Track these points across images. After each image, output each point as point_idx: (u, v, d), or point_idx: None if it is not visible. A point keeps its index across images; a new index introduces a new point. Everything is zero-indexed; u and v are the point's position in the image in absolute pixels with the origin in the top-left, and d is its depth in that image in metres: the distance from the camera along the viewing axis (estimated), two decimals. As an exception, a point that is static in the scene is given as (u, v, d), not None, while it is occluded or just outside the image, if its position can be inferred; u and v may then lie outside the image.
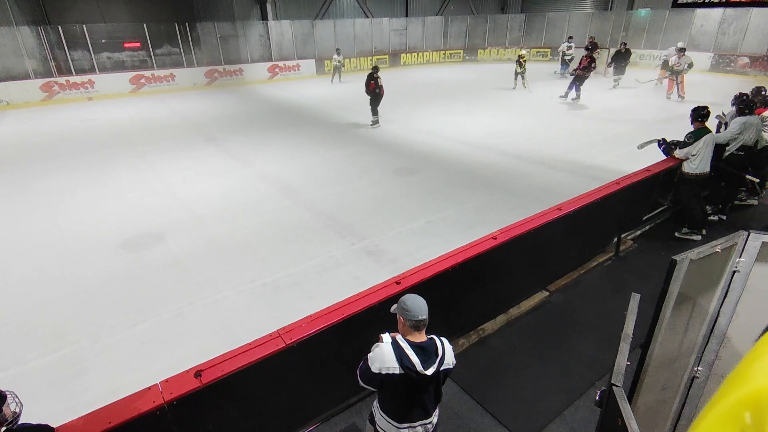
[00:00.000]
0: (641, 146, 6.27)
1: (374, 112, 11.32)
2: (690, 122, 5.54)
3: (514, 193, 7.22)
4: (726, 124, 6.58)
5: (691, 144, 5.35)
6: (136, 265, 5.32)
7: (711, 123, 7.03)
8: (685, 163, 5.47)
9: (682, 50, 13.15)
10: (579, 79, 13.56)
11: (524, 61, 15.71)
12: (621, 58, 15.65)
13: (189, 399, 2.34)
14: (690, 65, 13.13)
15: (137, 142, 10.53)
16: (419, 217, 6.35)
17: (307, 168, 8.54)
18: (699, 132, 5.35)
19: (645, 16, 21.58)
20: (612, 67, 16.05)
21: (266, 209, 6.76)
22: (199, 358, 2.56)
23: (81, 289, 4.88)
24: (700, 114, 5.35)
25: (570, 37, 18.95)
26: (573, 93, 13.73)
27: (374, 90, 10.95)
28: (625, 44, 16.02)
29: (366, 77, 11.02)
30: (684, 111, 11.62)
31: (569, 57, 18.33)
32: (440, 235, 5.79)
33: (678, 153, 5.51)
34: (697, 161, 5.34)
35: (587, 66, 13.42)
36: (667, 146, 5.75)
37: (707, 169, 5.39)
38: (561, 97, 14.22)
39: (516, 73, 16.03)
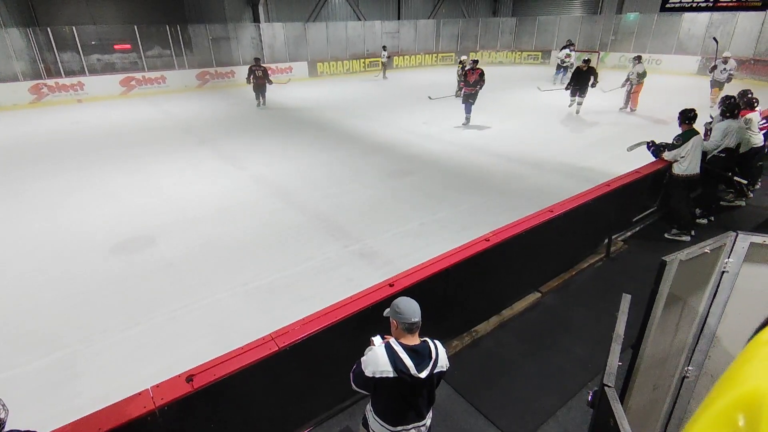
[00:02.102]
0: (630, 148, 6.34)
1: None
2: (678, 125, 5.61)
3: (506, 194, 7.26)
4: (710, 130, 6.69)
5: (679, 146, 5.42)
6: (128, 269, 5.26)
7: (699, 126, 7.17)
8: (674, 165, 5.53)
9: (636, 58, 12.67)
10: (471, 97, 11.25)
11: (464, 66, 15.19)
12: (583, 78, 12.22)
13: (180, 404, 2.31)
14: (640, 75, 12.26)
15: (128, 144, 10.43)
16: (413, 219, 6.36)
17: (300, 170, 8.52)
18: (687, 134, 5.42)
19: (634, 20, 21.87)
20: (569, 89, 12.60)
21: (260, 211, 6.73)
22: (193, 362, 2.53)
23: (72, 292, 4.82)
24: (687, 116, 5.43)
25: (570, 42, 18.03)
26: (468, 116, 11.47)
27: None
28: (588, 61, 12.31)
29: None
30: (634, 121, 11.77)
31: (567, 64, 17.31)
32: (434, 237, 5.80)
33: (667, 155, 5.57)
34: (686, 163, 5.41)
35: (478, 79, 11.06)
36: (656, 148, 5.81)
37: (697, 170, 5.47)
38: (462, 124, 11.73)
39: (459, 78, 15.33)
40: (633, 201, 5.82)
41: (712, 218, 6.19)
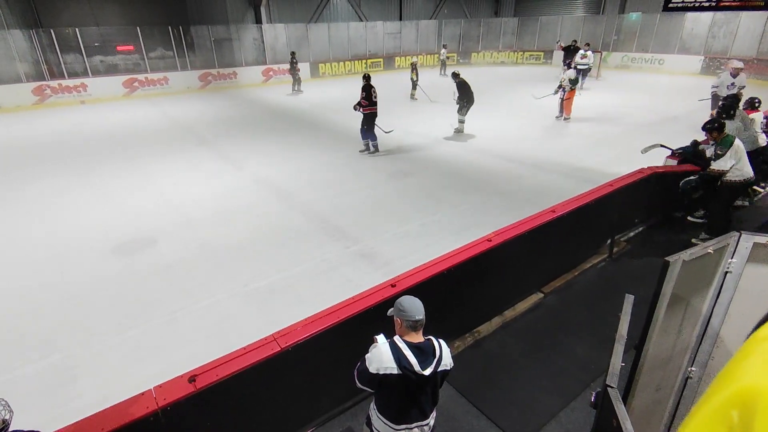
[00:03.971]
0: (644, 151, 6.31)
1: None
2: (705, 136, 5.42)
3: (507, 195, 7.25)
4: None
5: (724, 154, 5.12)
6: (128, 270, 5.27)
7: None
8: (729, 173, 5.20)
9: (586, 45, 11.86)
10: (370, 121, 9.17)
11: (417, 68, 15.30)
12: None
13: (183, 404, 2.32)
14: (572, 81, 11.48)
15: (130, 145, 10.46)
16: (413, 220, 6.36)
17: (300, 171, 8.53)
18: (726, 140, 5.13)
19: (636, 20, 21.82)
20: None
21: (260, 213, 6.73)
22: (192, 364, 2.53)
23: (72, 294, 4.83)
24: (714, 128, 5.16)
25: (587, 44, 16.70)
26: (372, 142, 9.45)
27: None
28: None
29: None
30: (635, 121, 11.58)
31: (585, 66, 15.68)
32: (434, 238, 5.80)
33: (716, 165, 5.23)
34: (741, 167, 5.14)
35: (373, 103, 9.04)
36: (691, 154, 5.57)
37: (751, 173, 5.19)
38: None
39: (413, 82, 15.37)
40: (636, 201, 5.80)
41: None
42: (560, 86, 11.81)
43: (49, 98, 15.33)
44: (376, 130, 9.45)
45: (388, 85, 19.40)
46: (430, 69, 24.36)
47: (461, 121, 10.83)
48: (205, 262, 5.41)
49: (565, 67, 12.08)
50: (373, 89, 9.02)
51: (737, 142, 5.13)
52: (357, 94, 9.21)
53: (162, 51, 17.99)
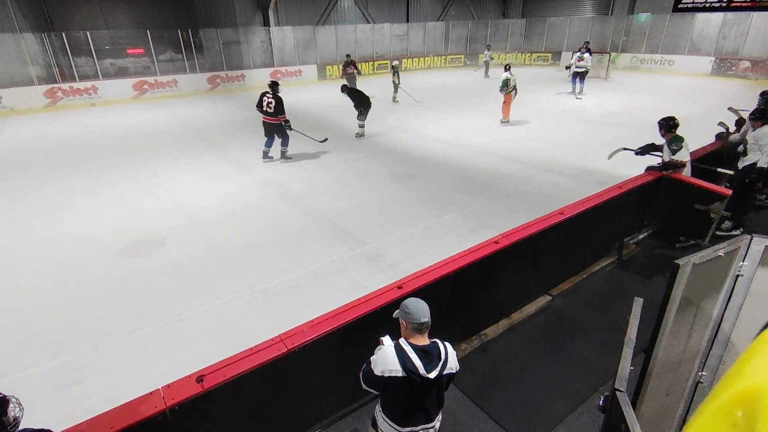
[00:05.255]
0: (610, 156, 6.56)
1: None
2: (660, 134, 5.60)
3: (514, 197, 7.21)
4: (727, 132, 6.52)
5: (680, 149, 5.40)
6: (136, 271, 5.32)
7: (713, 129, 7.06)
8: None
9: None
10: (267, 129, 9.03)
11: (399, 71, 15.20)
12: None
13: (191, 404, 2.33)
14: (504, 83, 11.38)
15: (139, 148, 10.57)
16: (419, 222, 6.35)
17: (307, 173, 8.56)
18: (676, 138, 5.43)
19: (645, 21, 21.66)
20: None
21: (266, 214, 6.76)
22: (199, 364, 2.55)
23: (81, 295, 4.89)
24: (668, 125, 5.47)
25: (586, 45, 16.09)
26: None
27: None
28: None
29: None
30: (644, 122, 11.38)
31: (582, 69, 15.18)
32: (440, 240, 5.79)
33: (676, 156, 5.42)
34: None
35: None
36: (650, 147, 5.84)
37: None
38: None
39: (395, 85, 15.25)
40: (646, 203, 5.75)
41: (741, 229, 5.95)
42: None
43: (60, 101, 15.55)
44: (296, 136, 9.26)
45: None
46: (437, 71, 24.35)
47: (361, 126, 10.95)
48: (212, 263, 5.45)
49: (487, 50, 12.34)
50: (265, 96, 8.65)
51: (686, 140, 5.44)
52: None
53: (171, 54, 18.18)
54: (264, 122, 8.90)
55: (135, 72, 17.70)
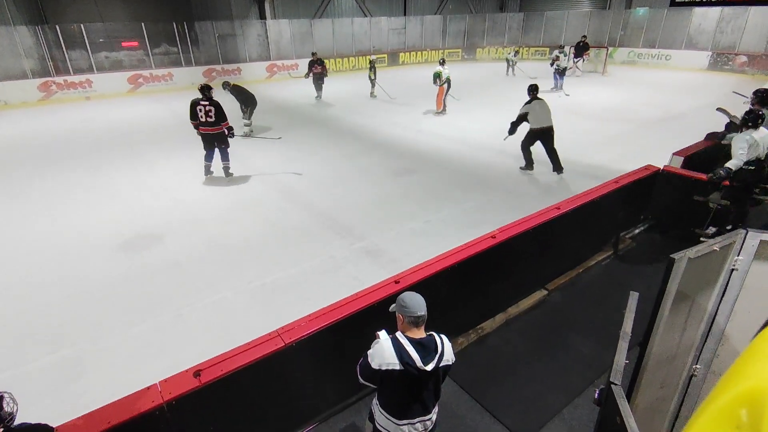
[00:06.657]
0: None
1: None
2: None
3: (512, 192, 7.23)
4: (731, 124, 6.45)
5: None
6: (134, 267, 5.31)
7: (709, 125, 7.08)
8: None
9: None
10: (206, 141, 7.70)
11: (375, 66, 15.14)
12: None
13: (188, 399, 2.34)
14: (436, 75, 11.89)
15: (135, 142, 10.51)
16: (418, 217, 6.35)
17: (305, 168, 8.53)
18: None
19: (643, 15, 21.62)
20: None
21: (265, 210, 6.75)
22: (197, 359, 2.55)
23: (79, 290, 4.87)
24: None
25: (560, 47, 16.65)
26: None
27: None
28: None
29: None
30: (576, 127, 11.32)
31: (559, 68, 15.46)
32: (439, 235, 5.79)
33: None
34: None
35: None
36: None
37: None
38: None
39: (371, 80, 15.20)
40: (642, 198, 5.77)
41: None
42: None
43: (54, 94, 15.40)
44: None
45: (393, 81, 19.34)
46: (435, 65, 24.23)
47: (247, 125, 10.96)
48: (211, 259, 5.43)
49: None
50: (199, 105, 7.29)
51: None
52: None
53: (166, 47, 18.00)
54: (203, 134, 7.52)
55: (130, 65, 17.53)
